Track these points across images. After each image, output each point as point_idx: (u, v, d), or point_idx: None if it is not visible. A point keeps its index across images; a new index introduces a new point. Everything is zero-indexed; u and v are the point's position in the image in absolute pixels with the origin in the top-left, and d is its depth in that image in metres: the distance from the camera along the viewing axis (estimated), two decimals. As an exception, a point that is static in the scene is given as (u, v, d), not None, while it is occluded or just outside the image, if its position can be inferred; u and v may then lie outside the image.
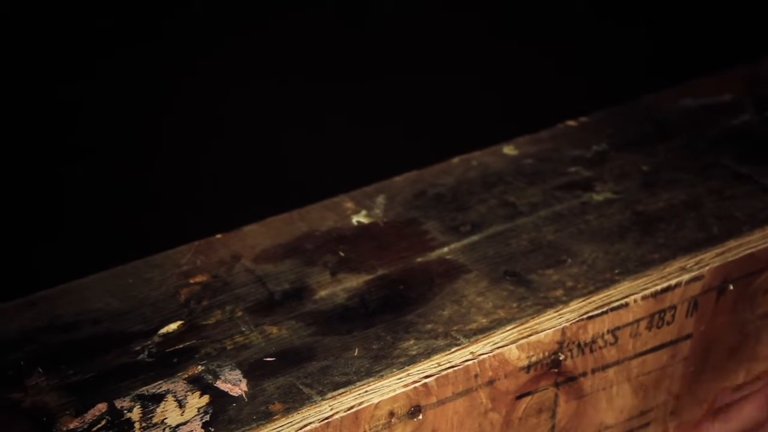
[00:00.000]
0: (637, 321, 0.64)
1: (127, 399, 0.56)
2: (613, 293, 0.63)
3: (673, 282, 0.64)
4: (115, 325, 0.61)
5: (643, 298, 0.63)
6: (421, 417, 0.58)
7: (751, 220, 0.69)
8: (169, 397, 0.56)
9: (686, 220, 0.69)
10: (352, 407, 0.56)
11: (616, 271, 0.65)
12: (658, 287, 0.64)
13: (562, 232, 0.69)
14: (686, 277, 0.64)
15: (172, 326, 0.61)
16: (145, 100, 0.72)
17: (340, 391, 0.56)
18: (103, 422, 0.54)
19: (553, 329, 0.61)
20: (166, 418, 0.55)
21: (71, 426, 0.54)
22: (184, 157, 0.74)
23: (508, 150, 0.78)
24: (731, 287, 0.67)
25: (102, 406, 0.55)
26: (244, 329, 0.61)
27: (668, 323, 0.66)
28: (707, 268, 0.65)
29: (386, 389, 0.57)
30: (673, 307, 0.65)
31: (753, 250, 0.67)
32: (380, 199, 0.72)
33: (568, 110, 0.81)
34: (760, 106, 0.82)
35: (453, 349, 0.59)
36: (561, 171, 0.75)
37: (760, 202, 0.71)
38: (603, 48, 0.86)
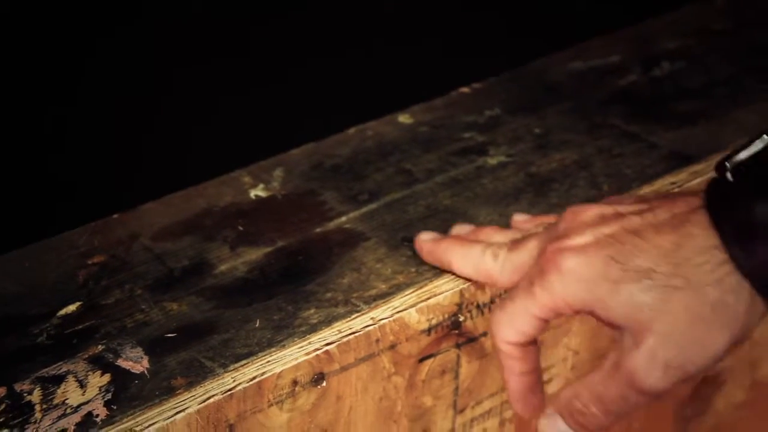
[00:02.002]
0: (533, 279, 0.65)
1: (27, 382, 0.55)
2: (509, 253, 0.64)
3: (566, 240, 0.65)
4: (11, 309, 0.61)
5: (538, 256, 0.65)
6: (324, 384, 0.59)
7: (640, 177, 0.71)
8: (70, 378, 0.56)
9: (578, 180, 0.71)
10: (254, 378, 0.56)
11: (511, 232, 0.66)
12: (552, 245, 0.65)
13: (459, 197, 0.70)
14: (579, 234, 0.66)
15: (71, 307, 0.61)
16: (43, 82, 0.71)
17: (242, 362, 0.57)
18: (3, 406, 0.54)
19: (451, 291, 0.62)
20: (67, 399, 0.55)
21: (-30, 412, 0.54)
22: (77, 137, 0.73)
23: (404, 119, 0.78)
24: (623, 242, 0.68)
25: (1, 391, 0.55)
26: (144, 307, 0.61)
27: (564, 280, 0.67)
28: (598, 224, 0.67)
29: (288, 358, 0.57)
30: (568, 265, 0.67)
31: (642, 205, 0.68)
32: (278, 173, 0.73)
33: (462, 77, 0.82)
34: (646, 66, 0.84)
35: (353, 316, 0.60)
36: (456, 137, 0.76)
37: (647, 158, 0.73)
38: (493, 15, 0.87)
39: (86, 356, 0.57)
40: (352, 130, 0.77)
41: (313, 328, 0.59)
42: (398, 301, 0.61)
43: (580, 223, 0.55)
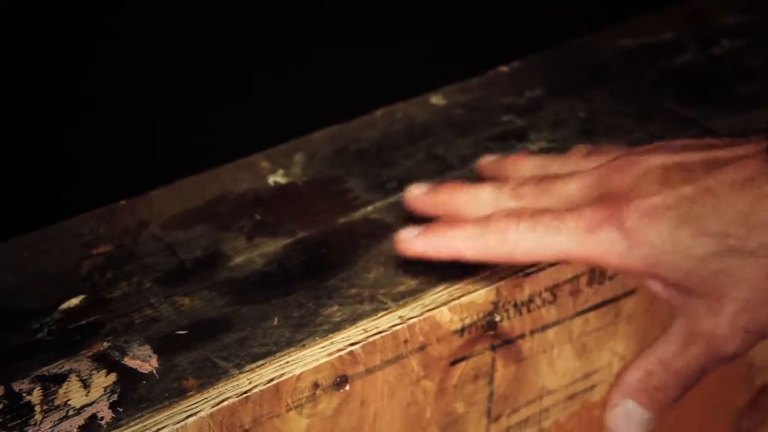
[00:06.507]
0: (577, 277, 0.65)
1: (26, 381, 0.56)
2: (551, 248, 0.64)
3: (613, 234, 0.65)
4: (9, 302, 0.61)
5: (583, 251, 0.64)
6: (348, 387, 0.59)
7: (695, 166, 0.70)
8: (73, 377, 0.56)
9: (626, 168, 0.71)
10: (272, 380, 0.56)
11: (553, 225, 0.66)
12: (598, 240, 0.65)
13: (495, 186, 0.70)
14: (627, 227, 0.65)
15: (74, 301, 0.61)
16: (44, 56, 0.71)
17: (259, 363, 0.57)
18: (0, 407, 0.54)
19: (487, 289, 0.62)
20: (69, 400, 0.55)
21: (-35, 413, 0.54)
22: (81, 117, 0.73)
23: (436, 100, 0.78)
24: (675, 237, 0.68)
25: (-2, 390, 0.55)
26: (153, 301, 0.61)
27: (610, 278, 0.67)
28: (649, 217, 0.66)
29: (309, 359, 0.57)
30: (615, 261, 0.66)
31: (697, 197, 0.68)
32: (298, 157, 0.73)
33: (500, 55, 0.82)
34: (703, 44, 0.83)
35: (380, 314, 0.60)
36: (493, 120, 0.76)
37: (703, 146, 0.72)
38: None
39: (90, 354, 0.58)
40: (379, 112, 0.77)
41: (336, 327, 0.59)
42: (429, 299, 0.61)
43: (641, 177, 0.55)
